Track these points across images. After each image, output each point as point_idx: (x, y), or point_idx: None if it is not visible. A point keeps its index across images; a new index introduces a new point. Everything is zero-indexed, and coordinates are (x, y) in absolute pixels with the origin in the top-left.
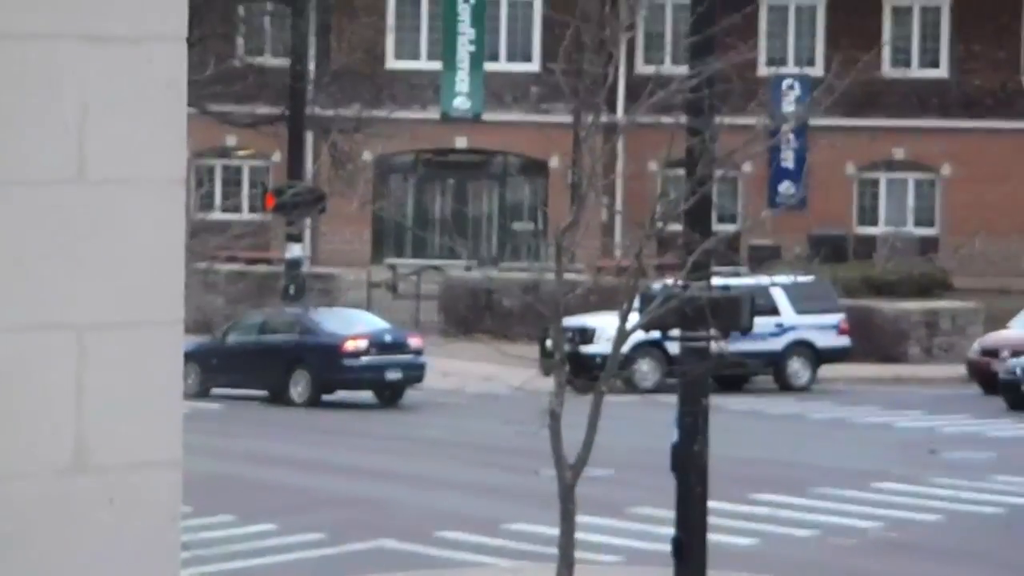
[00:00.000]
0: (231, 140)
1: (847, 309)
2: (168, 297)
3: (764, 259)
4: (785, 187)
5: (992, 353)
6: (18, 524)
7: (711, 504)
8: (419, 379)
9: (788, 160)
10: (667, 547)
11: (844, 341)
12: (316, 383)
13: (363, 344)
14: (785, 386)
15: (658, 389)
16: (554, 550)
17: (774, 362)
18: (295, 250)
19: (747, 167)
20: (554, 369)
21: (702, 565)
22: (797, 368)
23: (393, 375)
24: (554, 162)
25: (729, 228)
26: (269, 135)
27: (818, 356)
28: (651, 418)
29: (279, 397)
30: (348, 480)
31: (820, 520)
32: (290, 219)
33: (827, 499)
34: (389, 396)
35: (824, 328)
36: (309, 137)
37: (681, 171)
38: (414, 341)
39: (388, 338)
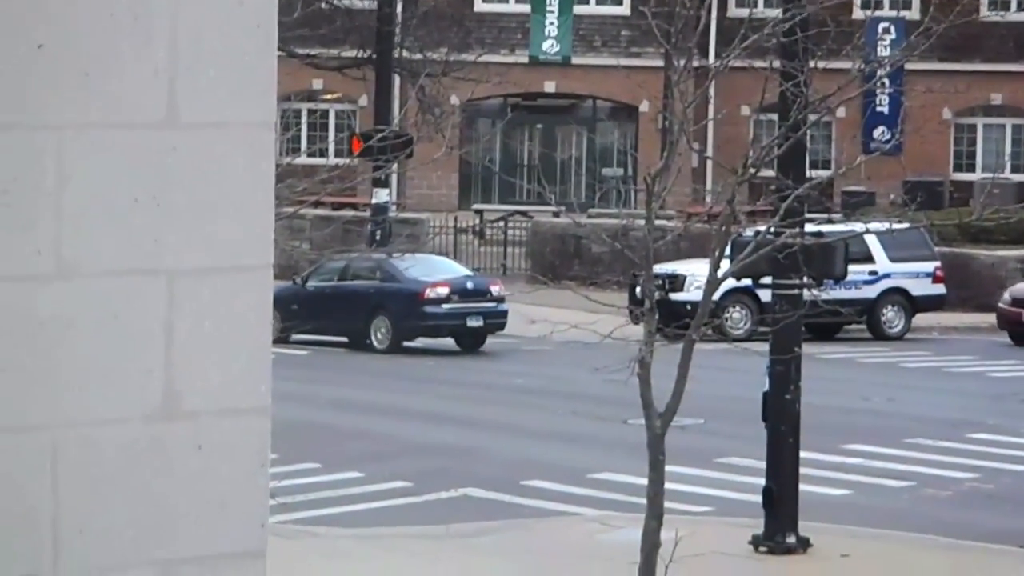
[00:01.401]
0: (317, 84)
1: (943, 256)
2: (257, 242)
3: (858, 205)
4: (880, 132)
5: (1022, 303)
6: (108, 469)
7: (803, 454)
8: (501, 327)
9: (883, 105)
10: (758, 498)
11: (939, 289)
12: (397, 330)
13: (444, 291)
14: (879, 335)
15: (749, 337)
16: (642, 500)
17: (868, 310)
18: (382, 195)
19: (841, 112)
20: (644, 317)
21: (793, 516)
22: (891, 316)
23: (474, 322)
24: (644, 107)
25: (823, 174)
26: (356, 79)
27: (913, 304)
28: (742, 367)
29: (359, 343)
30: (433, 428)
31: (914, 471)
32: (377, 164)
33: (921, 449)
34: (471, 343)
35: (919, 276)
36: (396, 81)
37: (774, 116)
38: (496, 288)
39: (470, 285)
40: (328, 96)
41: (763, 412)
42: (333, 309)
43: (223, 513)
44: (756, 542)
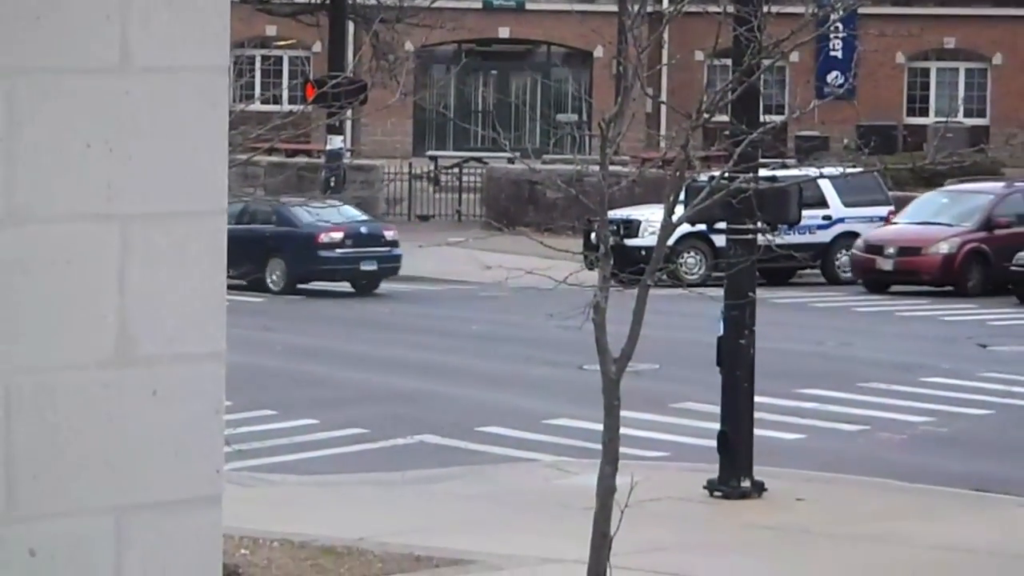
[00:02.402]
0: (271, 30)
1: (897, 200)
2: (211, 188)
3: (812, 150)
4: (833, 77)
5: (877, 249)
6: (63, 415)
7: (757, 399)
8: (395, 271)
9: (837, 49)
10: (713, 442)
11: None
12: (291, 273)
13: (338, 236)
14: (833, 279)
15: (704, 283)
16: (597, 445)
17: (821, 255)
18: (335, 142)
19: (795, 57)
20: (599, 262)
21: (748, 460)
22: (845, 261)
23: (368, 266)
24: (598, 52)
25: (776, 119)
26: (309, 25)
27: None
28: (697, 312)
29: (257, 285)
30: (389, 375)
31: (868, 415)
32: (330, 111)
33: (875, 393)
34: (365, 286)
35: (872, 220)
36: (350, 27)
37: (728, 61)
38: (390, 233)
39: (364, 230)
40: (281, 42)
41: (718, 357)
42: (230, 252)
43: (178, 459)
44: (711, 487)
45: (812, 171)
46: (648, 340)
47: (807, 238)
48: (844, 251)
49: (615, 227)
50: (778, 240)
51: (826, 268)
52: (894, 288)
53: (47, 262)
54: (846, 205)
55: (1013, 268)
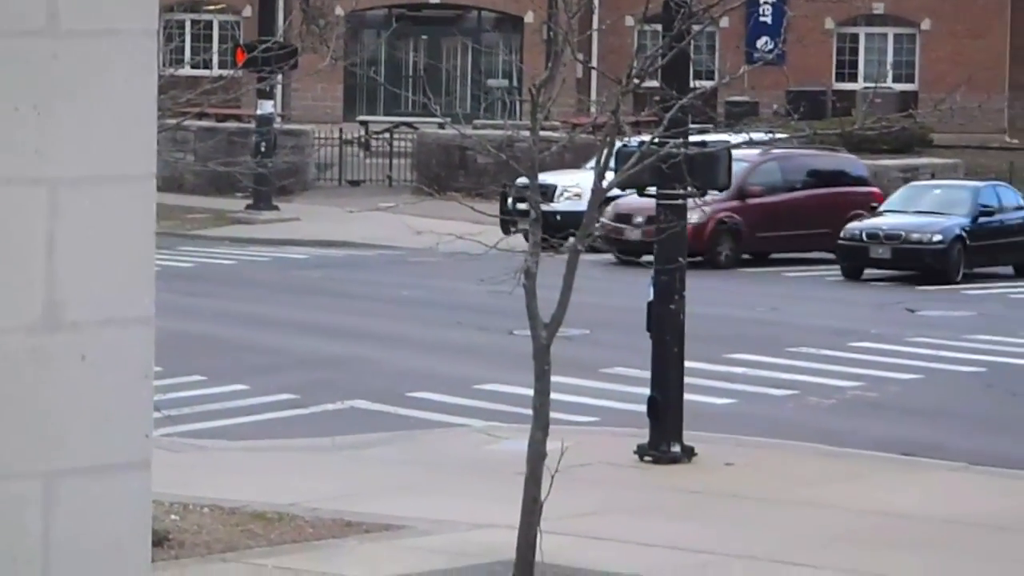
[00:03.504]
0: None
1: None
2: (140, 152)
3: (742, 115)
4: (763, 42)
5: (625, 218)
6: None
7: (687, 364)
8: None
9: (766, 15)
10: (643, 407)
11: None
12: None
13: None
14: None
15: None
16: (528, 411)
17: None
18: (266, 107)
19: (725, 22)
20: (529, 227)
21: (678, 425)
22: None
23: None
24: (529, 17)
25: (706, 84)
26: None
27: None
28: (627, 278)
29: None
30: (319, 340)
31: (797, 380)
32: (261, 75)
33: (804, 358)
34: None
35: None
36: None
37: (658, 26)
38: None
39: None
40: (211, 7)
41: (648, 322)
42: None
43: (107, 424)
44: (641, 451)
45: (740, 136)
46: (579, 306)
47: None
48: None
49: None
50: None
51: None
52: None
53: None
54: None
55: (841, 241)
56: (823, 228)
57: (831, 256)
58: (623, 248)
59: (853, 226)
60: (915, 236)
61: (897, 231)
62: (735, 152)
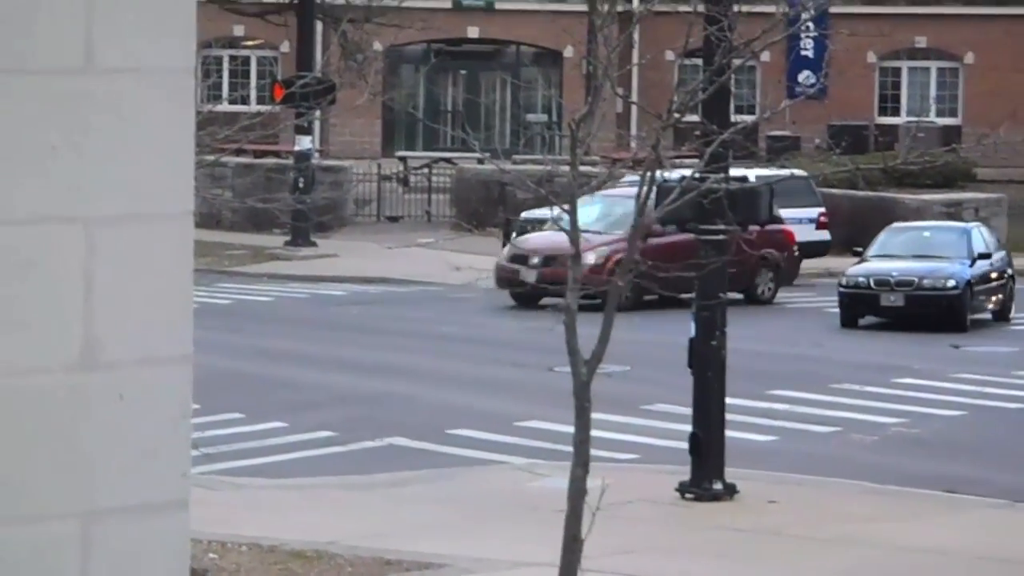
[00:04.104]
0: (239, 30)
1: (869, 201)
2: (178, 189)
3: (783, 150)
4: (804, 76)
5: (522, 259)
6: (28, 419)
7: (729, 400)
8: None
9: (808, 49)
10: (684, 444)
11: (823, 235)
12: None
13: None
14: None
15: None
16: (568, 448)
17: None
18: (304, 142)
19: (766, 56)
20: (570, 263)
21: (720, 462)
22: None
23: None
24: (568, 52)
25: (747, 119)
26: (278, 24)
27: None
28: (668, 313)
29: None
30: (358, 377)
31: (840, 416)
32: (299, 111)
33: (847, 395)
34: None
35: (802, 222)
36: (318, 27)
37: (698, 61)
38: None
39: None
40: (249, 42)
41: (689, 358)
42: None
43: (145, 463)
44: (683, 489)
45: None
46: (619, 342)
47: None
48: None
49: (528, 227)
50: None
51: None
52: (545, 301)
53: (11, 264)
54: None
55: (844, 289)
56: (731, 268)
57: (739, 296)
58: (519, 292)
59: (855, 272)
60: (927, 282)
61: (909, 277)
62: (632, 189)
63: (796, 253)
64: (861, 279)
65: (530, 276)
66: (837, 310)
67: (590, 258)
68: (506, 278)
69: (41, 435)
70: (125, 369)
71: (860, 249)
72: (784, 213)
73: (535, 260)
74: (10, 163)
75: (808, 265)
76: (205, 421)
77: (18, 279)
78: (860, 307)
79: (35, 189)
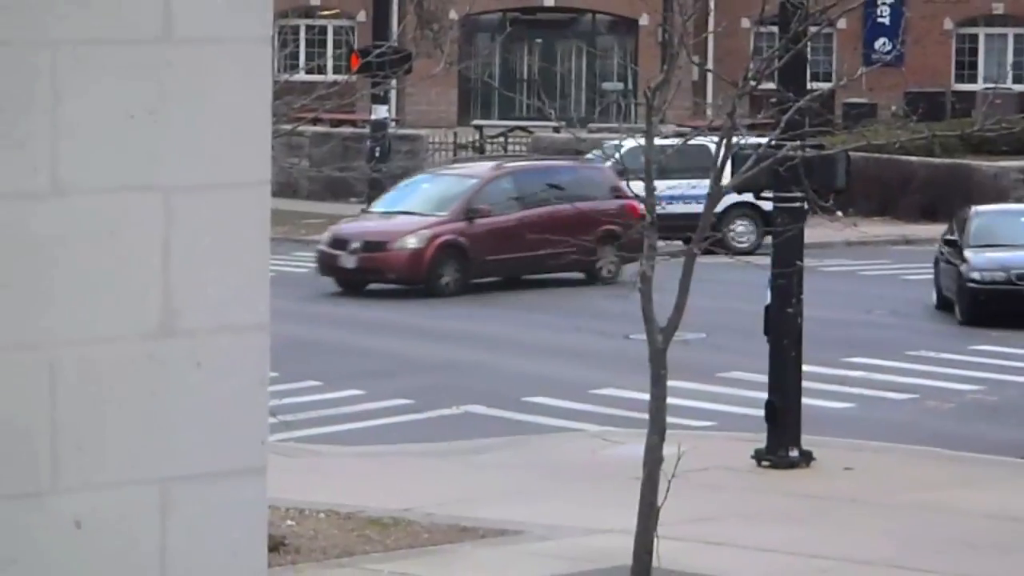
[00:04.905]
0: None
1: (945, 167)
2: (255, 158)
3: (860, 117)
4: (881, 43)
5: (342, 244)
6: (106, 388)
7: (805, 368)
8: None
9: (884, 16)
10: (761, 412)
11: None
12: None
13: None
14: (727, 249)
15: (753, 251)
16: (644, 415)
17: (714, 225)
18: (381, 111)
19: (842, 23)
20: (645, 231)
21: (796, 430)
22: (740, 231)
23: None
24: (644, 20)
25: (824, 86)
26: None
27: (765, 219)
28: (745, 280)
29: None
30: (434, 345)
31: (916, 383)
32: (375, 80)
33: (923, 362)
34: None
35: None
36: None
37: (774, 28)
38: None
39: None
40: (326, 12)
41: (765, 326)
42: None
43: (223, 430)
44: (759, 456)
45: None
46: (695, 309)
47: (697, 208)
48: (738, 221)
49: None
50: (669, 209)
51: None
52: (371, 287)
53: (90, 234)
54: None
55: (972, 284)
56: (568, 246)
57: (581, 276)
58: (341, 277)
59: (982, 264)
60: None
61: None
62: (462, 170)
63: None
64: (999, 274)
65: (349, 262)
66: (912, 277)
67: (411, 242)
68: (327, 263)
69: (120, 402)
70: (203, 337)
71: (949, 235)
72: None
73: (355, 245)
74: (90, 133)
75: (882, 232)
76: (283, 389)
77: (98, 248)
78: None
79: (114, 159)
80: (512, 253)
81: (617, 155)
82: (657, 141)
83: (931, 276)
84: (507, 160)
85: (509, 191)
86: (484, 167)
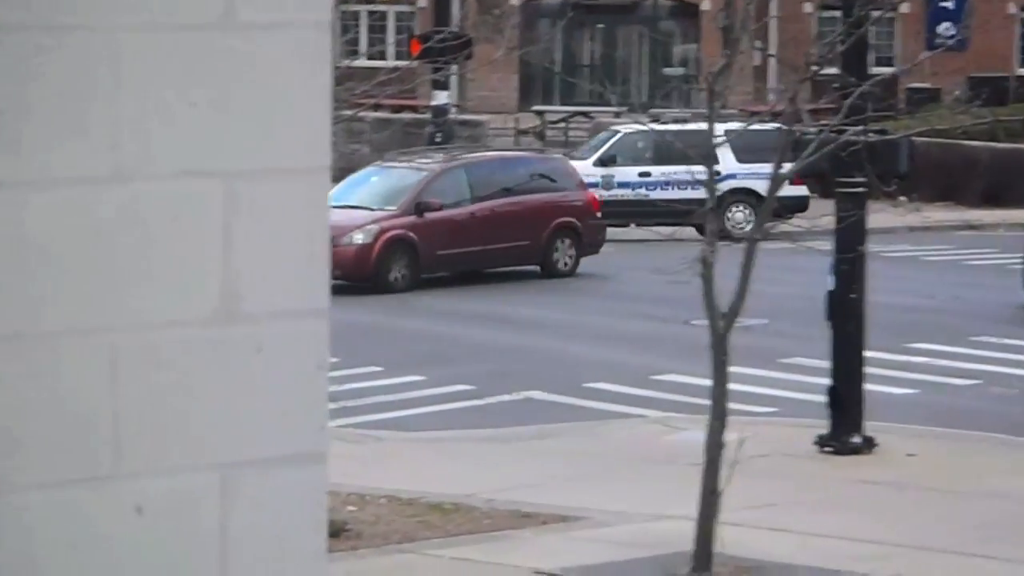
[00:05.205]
0: None
1: (1007, 152)
2: (315, 144)
3: (923, 102)
4: (944, 28)
5: None
6: (167, 372)
7: (867, 353)
8: None
9: (947, 0)
10: (823, 398)
11: (800, 191)
12: None
13: None
14: (724, 236)
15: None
16: (706, 401)
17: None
18: (441, 97)
19: (905, 7)
20: (707, 216)
21: (859, 415)
22: (738, 217)
23: None
24: (705, 5)
25: (886, 71)
26: None
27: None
28: (806, 266)
29: None
30: (495, 331)
31: (979, 369)
32: (436, 66)
33: (986, 347)
34: None
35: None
36: None
37: (837, 12)
38: None
39: None
40: None
41: (827, 311)
42: None
43: (283, 416)
44: (821, 442)
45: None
46: (756, 295)
47: (693, 193)
48: (735, 207)
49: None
50: (665, 195)
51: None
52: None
53: (152, 220)
54: (740, 161)
55: None
56: (522, 240)
57: (535, 269)
58: None
59: None
60: None
61: None
62: (413, 163)
63: (600, 220)
64: None
65: None
66: (975, 263)
67: (358, 237)
68: None
69: (180, 388)
70: (263, 322)
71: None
72: (748, 167)
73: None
74: (151, 119)
75: (945, 217)
76: (344, 375)
77: (159, 234)
78: None
79: (174, 144)
80: (464, 247)
81: (608, 144)
82: (656, 126)
83: (992, 262)
84: (460, 152)
85: (461, 184)
86: (436, 159)
